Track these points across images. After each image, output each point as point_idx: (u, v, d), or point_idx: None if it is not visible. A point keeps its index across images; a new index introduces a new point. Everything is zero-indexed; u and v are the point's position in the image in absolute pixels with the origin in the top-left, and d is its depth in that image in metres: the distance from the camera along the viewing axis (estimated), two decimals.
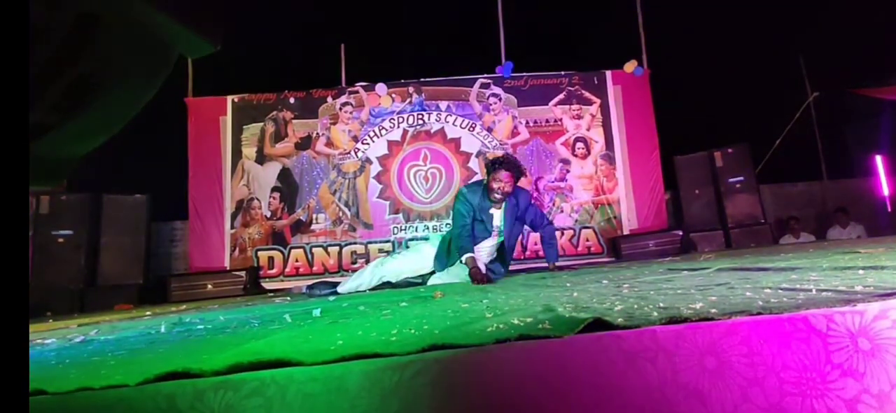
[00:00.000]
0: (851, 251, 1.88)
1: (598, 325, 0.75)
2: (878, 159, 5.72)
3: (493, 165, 2.78)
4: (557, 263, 3.07)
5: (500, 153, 3.09)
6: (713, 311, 0.78)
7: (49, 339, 1.58)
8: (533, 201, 3.13)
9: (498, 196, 2.76)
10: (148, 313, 2.59)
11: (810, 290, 0.91)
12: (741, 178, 5.26)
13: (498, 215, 2.87)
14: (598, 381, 0.67)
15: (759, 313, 0.74)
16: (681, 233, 4.99)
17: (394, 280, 2.93)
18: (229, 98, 5.52)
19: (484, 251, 2.93)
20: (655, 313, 0.81)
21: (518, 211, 2.91)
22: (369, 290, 2.88)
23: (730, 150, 5.32)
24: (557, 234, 5.42)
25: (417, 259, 2.98)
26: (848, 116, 6.30)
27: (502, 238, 2.92)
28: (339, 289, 2.94)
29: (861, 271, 1.17)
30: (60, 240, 4.58)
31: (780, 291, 0.95)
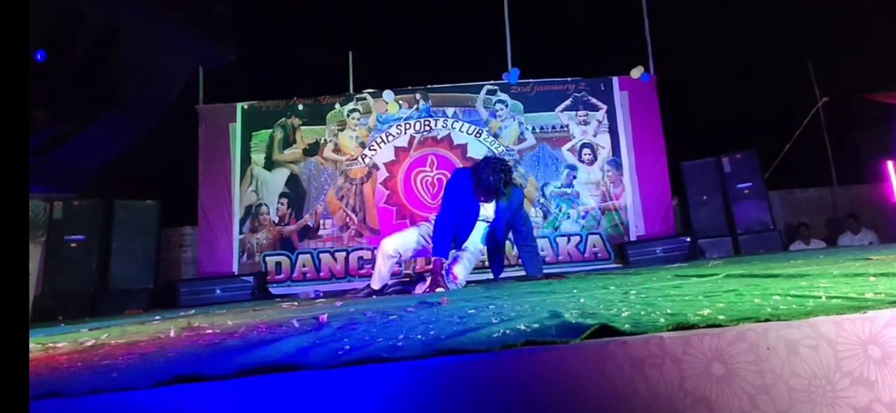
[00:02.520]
0: (862, 258, 1.86)
1: (605, 331, 0.75)
2: (890, 165, 5.64)
3: (479, 181, 2.80)
4: (545, 272, 3.13)
5: (492, 158, 2.98)
6: (721, 317, 0.77)
7: (61, 342, 1.60)
8: (523, 205, 3.19)
9: (483, 200, 2.90)
10: (157, 318, 2.61)
11: (820, 297, 0.90)
12: (750, 184, 5.21)
13: (488, 208, 2.97)
14: (605, 388, 0.67)
15: (767, 320, 0.73)
16: (688, 239, 4.95)
17: (401, 251, 3.07)
18: (239, 105, 5.58)
19: (476, 238, 3.03)
20: (662, 320, 0.80)
21: (509, 211, 2.99)
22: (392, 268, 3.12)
23: (738, 156, 5.28)
24: (563, 239, 5.41)
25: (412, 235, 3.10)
26: (858, 121, 6.23)
27: (487, 229, 3.02)
28: (374, 285, 3.13)
29: (872, 278, 1.15)
30: (73, 245, 4.65)
31: (789, 298, 0.94)
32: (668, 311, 0.91)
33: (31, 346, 1.57)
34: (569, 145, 5.60)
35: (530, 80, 5.69)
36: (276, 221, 5.40)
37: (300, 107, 5.61)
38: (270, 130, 5.56)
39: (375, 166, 5.53)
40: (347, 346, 0.87)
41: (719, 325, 0.73)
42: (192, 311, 3.04)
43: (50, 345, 1.55)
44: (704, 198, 5.38)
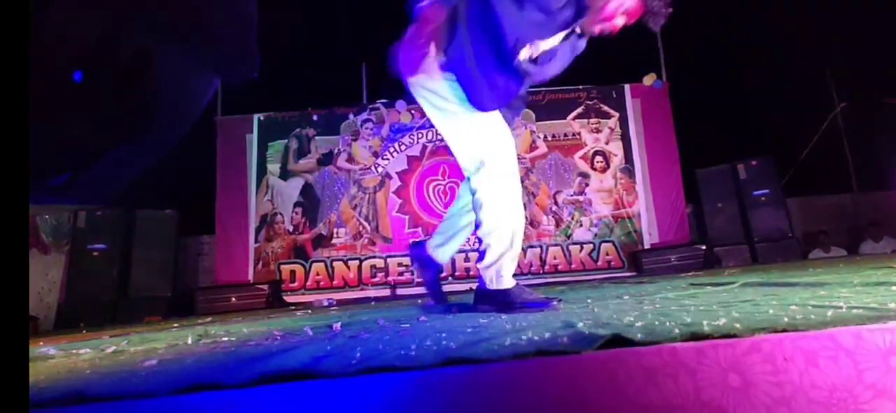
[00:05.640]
0: (885, 266, 1.81)
1: (618, 341, 0.75)
2: None
3: None
4: None
5: None
6: (737, 327, 0.76)
7: (83, 349, 1.64)
8: None
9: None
10: (175, 325, 2.66)
11: (841, 308, 0.88)
12: (766, 191, 5.12)
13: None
14: (617, 398, 0.67)
15: (784, 330, 0.72)
16: (704, 247, 4.87)
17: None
18: (255, 116, 5.70)
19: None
20: (677, 330, 0.80)
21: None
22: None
23: (754, 162, 5.19)
24: (576, 248, 5.36)
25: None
26: (880, 126, 6.07)
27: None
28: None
29: (895, 288, 1.13)
30: (95, 253, 4.77)
31: (807, 308, 0.92)
32: (684, 320, 0.90)
33: (55, 352, 1.62)
34: (581, 153, 5.57)
35: (542, 88, 5.69)
36: (291, 230, 5.47)
37: (314, 117, 5.70)
38: (285, 140, 5.66)
39: (388, 175, 5.57)
40: (359, 355, 0.88)
41: (735, 336, 0.72)
42: (209, 319, 3.09)
43: (73, 351, 1.59)
44: (720, 205, 5.29)
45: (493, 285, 1.58)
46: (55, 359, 1.44)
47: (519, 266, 5.32)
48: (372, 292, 5.17)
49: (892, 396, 0.66)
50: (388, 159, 5.61)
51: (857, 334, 0.68)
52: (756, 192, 5.14)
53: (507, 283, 1.57)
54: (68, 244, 4.82)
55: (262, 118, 5.71)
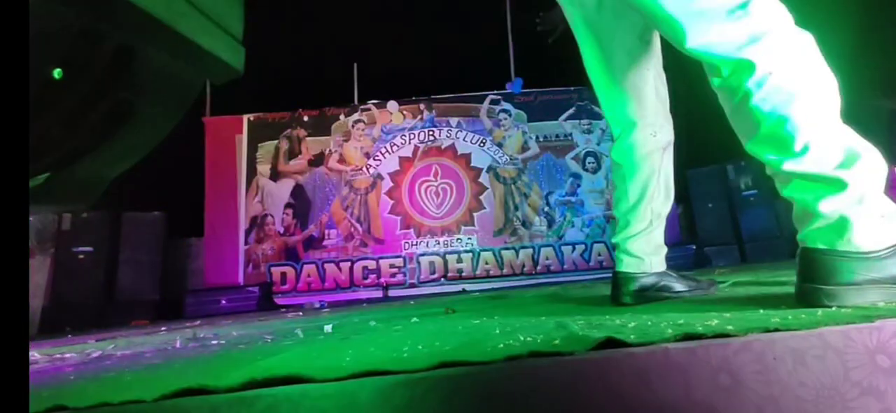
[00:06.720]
0: None
1: (612, 343, 0.75)
2: None
3: None
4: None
5: None
6: (729, 328, 0.77)
7: (68, 354, 1.61)
8: None
9: None
10: (163, 329, 2.63)
11: (831, 307, 0.90)
12: (755, 192, 5.19)
13: None
14: (609, 399, 0.67)
15: (776, 330, 0.73)
16: (694, 247, 4.92)
17: None
18: (245, 117, 5.65)
19: None
20: (670, 330, 0.80)
21: None
22: None
23: (743, 163, 5.26)
24: (568, 248, 5.39)
25: None
26: (863, 127, 6.18)
27: None
28: None
29: None
30: (81, 256, 4.68)
31: (798, 308, 0.93)
32: (678, 321, 0.90)
33: (39, 357, 1.58)
34: (573, 154, 5.60)
35: (533, 90, 5.71)
36: (282, 232, 5.43)
37: (305, 118, 5.67)
38: (276, 142, 5.62)
39: (380, 176, 5.56)
40: (349, 358, 0.87)
41: (728, 336, 0.72)
42: (198, 322, 3.05)
43: (57, 356, 1.56)
44: (710, 205, 5.35)
45: None
46: (39, 364, 1.41)
47: (511, 268, 5.38)
48: (364, 294, 5.15)
49: (878, 394, 0.67)
50: (379, 160, 5.59)
51: (845, 333, 0.69)
52: (745, 193, 5.21)
53: None
54: (53, 247, 4.73)
55: (251, 119, 5.66)
